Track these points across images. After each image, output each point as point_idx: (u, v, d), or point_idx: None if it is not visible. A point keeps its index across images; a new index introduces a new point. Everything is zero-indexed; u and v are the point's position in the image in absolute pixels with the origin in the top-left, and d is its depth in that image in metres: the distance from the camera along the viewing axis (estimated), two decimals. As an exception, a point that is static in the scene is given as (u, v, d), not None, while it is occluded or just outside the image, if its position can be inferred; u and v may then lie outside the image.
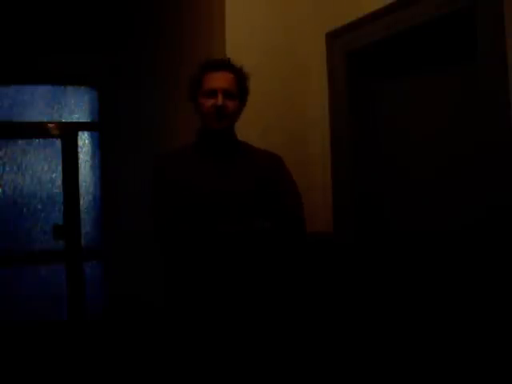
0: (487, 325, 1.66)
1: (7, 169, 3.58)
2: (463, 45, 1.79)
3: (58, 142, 3.63)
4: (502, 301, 1.59)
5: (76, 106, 3.76)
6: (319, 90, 2.30)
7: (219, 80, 1.77)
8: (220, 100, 1.73)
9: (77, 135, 3.67)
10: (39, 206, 3.63)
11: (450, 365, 1.85)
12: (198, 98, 1.79)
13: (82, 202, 3.67)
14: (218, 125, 1.77)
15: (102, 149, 3.70)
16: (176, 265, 1.79)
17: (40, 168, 3.64)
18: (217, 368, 1.72)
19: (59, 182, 3.63)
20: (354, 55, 2.16)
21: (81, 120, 3.75)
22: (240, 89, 1.81)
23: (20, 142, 3.62)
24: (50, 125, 3.63)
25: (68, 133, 3.65)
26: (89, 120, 3.76)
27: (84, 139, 3.74)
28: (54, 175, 3.66)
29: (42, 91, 3.67)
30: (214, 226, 1.72)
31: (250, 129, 2.05)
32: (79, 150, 3.67)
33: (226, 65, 1.81)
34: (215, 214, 1.73)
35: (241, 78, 1.81)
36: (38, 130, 3.63)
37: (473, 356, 1.75)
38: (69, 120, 3.71)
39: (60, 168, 3.62)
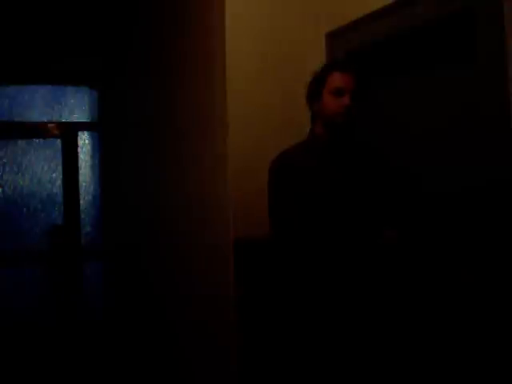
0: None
1: (7, 169, 3.58)
2: (463, 45, 1.79)
3: (58, 142, 3.63)
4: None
5: (76, 106, 3.76)
6: (319, 90, 2.29)
7: (347, 80, 1.81)
8: (348, 100, 1.76)
9: (77, 135, 3.67)
10: (39, 206, 3.63)
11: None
12: (323, 96, 1.80)
13: (82, 202, 3.67)
14: (344, 123, 1.81)
15: (102, 149, 3.69)
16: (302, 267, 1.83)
17: (40, 168, 3.64)
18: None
19: (59, 182, 3.63)
20: (353, 55, 2.16)
21: (81, 120, 3.75)
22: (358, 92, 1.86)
23: (20, 142, 3.61)
24: (50, 125, 3.63)
25: (68, 133, 3.65)
26: (89, 120, 3.76)
27: (84, 139, 3.74)
28: (53, 175, 3.66)
29: (42, 91, 3.67)
30: (346, 232, 1.79)
31: (251, 128, 2.06)
32: (79, 150, 3.67)
33: (351, 66, 1.87)
34: (344, 215, 1.80)
35: (358, 81, 1.86)
36: (37, 130, 3.63)
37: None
38: (69, 120, 3.71)
39: (60, 168, 3.62)
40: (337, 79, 1.81)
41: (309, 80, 1.94)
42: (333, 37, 2.22)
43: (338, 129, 1.83)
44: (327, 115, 1.82)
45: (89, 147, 3.76)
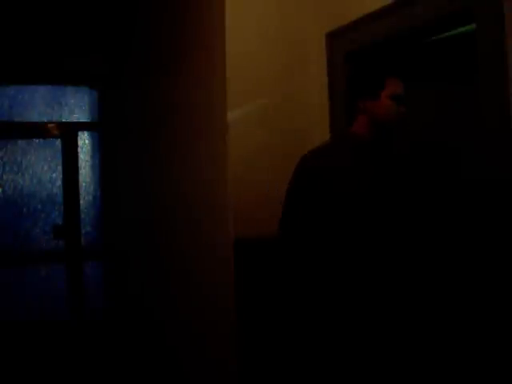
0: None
1: (7, 169, 3.58)
2: (463, 45, 1.79)
3: (58, 142, 3.63)
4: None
5: (76, 106, 3.76)
6: (319, 90, 2.30)
7: (402, 88, 1.79)
8: (404, 108, 1.76)
9: (77, 135, 3.67)
10: (39, 206, 3.63)
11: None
12: (381, 97, 1.77)
13: (82, 202, 3.67)
14: (399, 130, 1.78)
15: (102, 149, 3.70)
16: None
17: (40, 168, 3.64)
18: None
19: (59, 182, 3.63)
20: (353, 55, 2.16)
21: (81, 120, 3.75)
22: None
23: (20, 142, 3.61)
24: (50, 125, 3.63)
25: (68, 133, 3.65)
26: (89, 120, 3.76)
27: (84, 139, 3.74)
28: (53, 175, 3.66)
29: (42, 91, 3.67)
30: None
31: (251, 129, 2.05)
32: (79, 150, 3.67)
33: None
34: (380, 219, 1.69)
35: None
36: (37, 130, 3.63)
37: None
38: (69, 120, 3.71)
39: (60, 168, 3.61)
40: (397, 85, 1.76)
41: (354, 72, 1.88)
42: (333, 37, 2.22)
43: (392, 134, 1.79)
44: (383, 119, 1.75)
45: (89, 147, 3.76)
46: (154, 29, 3.05)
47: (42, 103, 3.67)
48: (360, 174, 1.75)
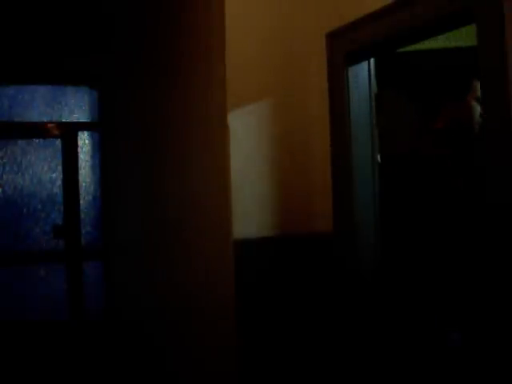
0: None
1: (7, 169, 3.58)
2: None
3: (58, 142, 3.63)
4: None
5: (76, 106, 3.76)
6: (319, 90, 2.30)
7: None
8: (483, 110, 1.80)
9: (77, 135, 3.67)
10: (39, 206, 3.63)
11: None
12: (468, 99, 1.84)
13: (82, 202, 3.67)
14: (476, 129, 1.83)
15: (102, 149, 3.69)
16: None
17: (40, 168, 3.64)
18: None
19: (59, 182, 3.63)
20: (354, 55, 2.16)
21: (81, 120, 3.75)
22: None
23: (20, 142, 3.62)
24: (50, 125, 3.63)
25: (68, 133, 3.65)
26: (89, 120, 3.76)
27: (84, 139, 3.74)
28: (54, 175, 3.66)
29: (42, 91, 3.67)
30: None
31: (251, 129, 2.05)
32: (79, 149, 3.67)
33: None
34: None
35: None
36: (37, 130, 3.63)
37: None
38: (69, 120, 3.71)
39: (60, 168, 3.61)
40: (478, 88, 1.83)
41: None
42: (333, 37, 2.22)
43: (474, 135, 1.84)
44: (467, 119, 1.82)
45: (89, 147, 3.76)
46: (156, 28, 3.04)
47: (42, 103, 3.68)
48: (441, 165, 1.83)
